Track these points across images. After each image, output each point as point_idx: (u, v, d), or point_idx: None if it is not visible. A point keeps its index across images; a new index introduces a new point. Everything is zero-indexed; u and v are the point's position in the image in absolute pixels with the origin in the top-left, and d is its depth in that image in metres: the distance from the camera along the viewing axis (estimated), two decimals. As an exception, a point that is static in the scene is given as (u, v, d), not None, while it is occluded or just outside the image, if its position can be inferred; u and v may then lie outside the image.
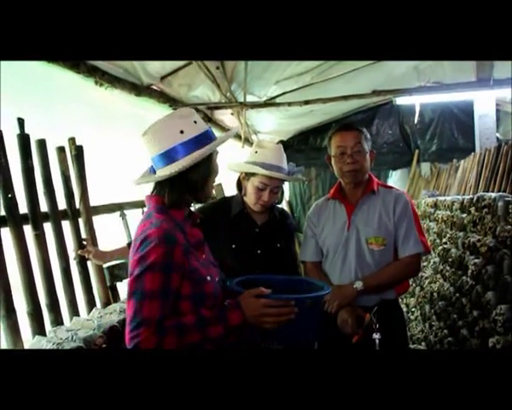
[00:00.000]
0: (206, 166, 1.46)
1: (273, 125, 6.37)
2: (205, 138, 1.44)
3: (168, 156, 1.41)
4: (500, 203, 2.28)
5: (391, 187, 2.17)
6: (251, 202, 2.02)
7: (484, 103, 5.08)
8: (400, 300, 3.94)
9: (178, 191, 1.43)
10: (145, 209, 1.52)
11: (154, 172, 1.49)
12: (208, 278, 1.42)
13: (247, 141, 5.55)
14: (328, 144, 2.13)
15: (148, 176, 1.52)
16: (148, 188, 1.54)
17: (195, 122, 1.45)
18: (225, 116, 5.23)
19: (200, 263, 1.44)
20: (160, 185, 1.47)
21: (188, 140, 1.40)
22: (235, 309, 1.36)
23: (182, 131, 1.41)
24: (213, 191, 1.91)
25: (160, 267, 1.30)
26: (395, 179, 7.33)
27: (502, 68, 4.44)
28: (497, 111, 5.53)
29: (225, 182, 3.80)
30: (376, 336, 1.89)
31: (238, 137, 5.02)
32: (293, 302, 1.40)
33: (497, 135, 5.64)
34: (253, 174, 1.97)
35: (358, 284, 1.95)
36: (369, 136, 2.09)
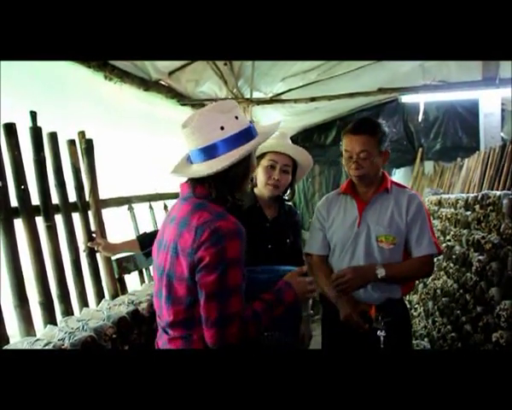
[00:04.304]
0: (246, 164, 1.45)
1: (278, 122, 6.37)
2: (245, 135, 1.42)
3: (207, 152, 1.40)
4: (505, 201, 2.30)
5: (404, 186, 2.16)
6: (262, 186, 2.03)
7: (489, 102, 5.09)
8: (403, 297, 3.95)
9: (215, 187, 1.41)
10: (165, 200, 1.51)
11: (191, 162, 1.48)
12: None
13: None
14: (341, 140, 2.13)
15: (185, 167, 1.50)
16: (156, 182, 1.55)
17: (237, 117, 1.42)
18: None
19: None
20: (197, 179, 1.45)
21: (228, 137, 1.39)
22: (289, 289, 1.46)
23: (222, 128, 1.38)
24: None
25: (238, 262, 1.32)
26: (398, 177, 7.29)
27: (508, 67, 4.45)
28: (502, 111, 5.53)
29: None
30: (381, 333, 1.90)
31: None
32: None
33: (501, 134, 5.64)
34: (263, 156, 2.02)
35: (381, 272, 1.91)
36: (386, 135, 2.02)
